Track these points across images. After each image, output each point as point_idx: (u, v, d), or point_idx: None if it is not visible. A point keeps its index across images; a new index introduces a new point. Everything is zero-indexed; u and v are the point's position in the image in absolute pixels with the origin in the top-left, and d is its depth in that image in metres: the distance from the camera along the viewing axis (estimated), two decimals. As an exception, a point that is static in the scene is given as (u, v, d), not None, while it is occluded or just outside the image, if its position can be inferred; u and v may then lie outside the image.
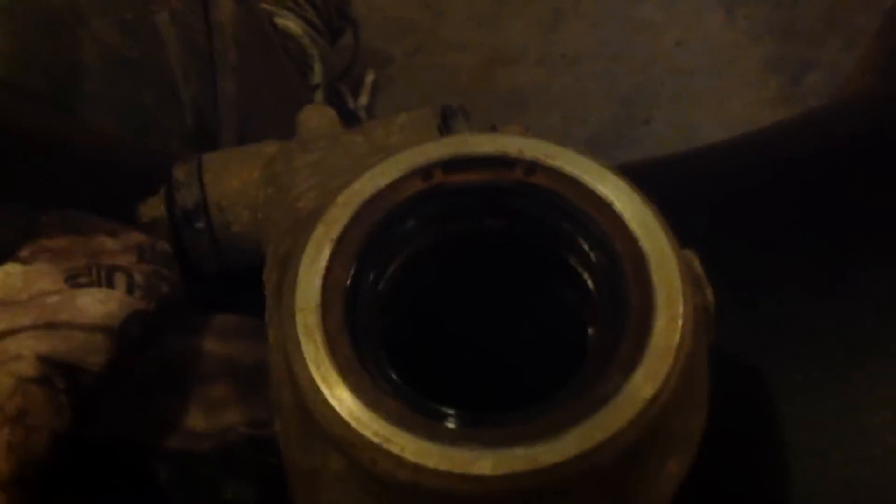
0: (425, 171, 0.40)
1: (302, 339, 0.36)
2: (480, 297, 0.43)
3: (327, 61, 1.65)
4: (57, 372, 0.41)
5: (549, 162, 0.39)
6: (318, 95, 1.57)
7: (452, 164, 0.40)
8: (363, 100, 1.88)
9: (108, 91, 0.96)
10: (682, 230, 0.39)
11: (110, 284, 0.43)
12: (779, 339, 0.47)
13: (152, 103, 0.99)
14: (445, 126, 0.52)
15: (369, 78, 1.92)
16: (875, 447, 0.44)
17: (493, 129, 0.52)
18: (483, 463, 0.33)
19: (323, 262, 0.37)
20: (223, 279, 0.52)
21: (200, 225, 0.49)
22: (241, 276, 0.52)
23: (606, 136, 1.84)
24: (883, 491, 0.43)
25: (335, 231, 0.38)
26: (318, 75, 1.63)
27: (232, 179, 0.50)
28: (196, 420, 0.46)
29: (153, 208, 0.50)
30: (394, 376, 0.36)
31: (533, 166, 0.40)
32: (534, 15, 2.04)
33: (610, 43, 2.01)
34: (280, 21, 1.60)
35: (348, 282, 0.37)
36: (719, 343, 0.41)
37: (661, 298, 0.36)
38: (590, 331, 0.39)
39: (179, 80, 1.00)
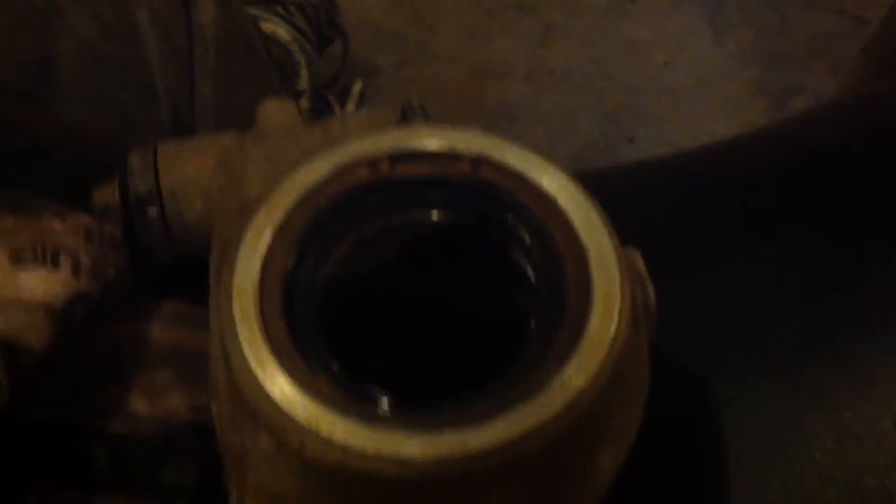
0: (372, 162, 0.40)
1: (237, 320, 0.36)
2: (423, 287, 0.43)
3: (314, 69, 1.65)
4: (-4, 349, 0.41)
5: (496, 156, 0.40)
6: (304, 102, 1.57)
7: (399, 157, 0.40)
8: (350, 108, 1.88)
9: (83, 87, 0.96)
10: (632, 228, 0.39)
11: (55, 264, 0.43)
12: (722, 345, 0.47)
13: (128, 101, 0.98)
14: (405, 124, 0.52)
15: (356, 87, 1.92)
16: (816, 453, 0.44)
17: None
18: (411, 446, 0.33)
19: (263, 246, 0.38)
20: (176, 268, 0.52)
21: (153, 212, 0.49)
22: (194, 265, 0.52)
23: (591, 153, 1.84)
24: (821, 494, 0.43)
25: (277, 216, 0.38)
26: (304, 81, 1.63)
27: (186, 168, 0.50)
28: (139, 405, 0.46)
29: (107, 194, 0.50)
30: (330, 361, 0.37)
31: (479, 160, 0.40)
32: (523, 31, 2.04)
33: (598, 61, 2.02)
34: (268, 27, 1.60)
35: (288, 267, 0.38)
36: (663, 345, 0.41)
37: (598, 292, 0.37)
38: (532, 323, 0.40)
39: (157, 79, 1.00)
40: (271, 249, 0.38)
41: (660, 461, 0.43)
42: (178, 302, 0.50)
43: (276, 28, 1.61)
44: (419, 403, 0.35)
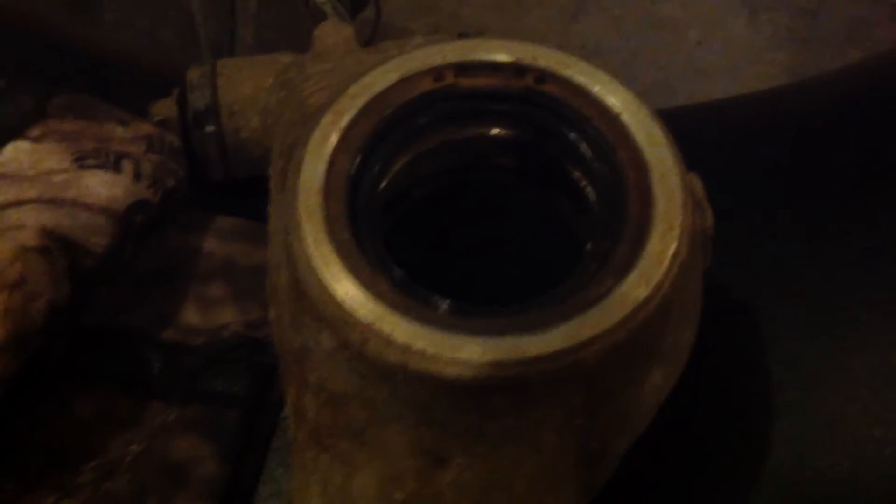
0: (437, 72, 0.40)
1: (302, 218, 0.36)
2: (483, 203, 0.43)
3: (347, 31, 1.64)
4: (59, 246, 0.41)
5: (561, 71, 0.40)
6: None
7: (465, 67, 0.40)
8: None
9: (125, 23, 0.96)
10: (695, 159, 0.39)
11: (118, 169, 0.44)
12: (773, 276, 0.47)
13: (171, 40, 0.99)
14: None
15: (388, 52, 1.89)
16: (860, 387, 0.44)
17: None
18: (471, 348, 0.34)
19: (329, 148, 0.38)
20: (229, 187, 0.52)
21: (211, 128, 0.50)
22: (247, 185, 0.52)
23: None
24: (863, 427, 0.43)
25: (344, 121, 0.38)
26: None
27: (244, 85, 0.50)
28: (191, 316, 0.47)
29: (165, 108, 0.50)
30: (391, 264, 0.37)
31: (544, 74, 0.40)
32: (556, 4, 2.02)
33: (631, 38, 1.99)
34: (303, -14, 1.59)
35: (353, 171, 0.38)
36: (715, 275, 0.41)
37: (660, 207, 0.37)
38: (588, 246, 0.40)
39: (199, 20, 1.01)
40: (336, 152, 0.38)
41: (705, 388, 0.44)
42: (230, 217, 0.50)
43: (311, -12, 1.61)
44: (477, 310, 0.36)
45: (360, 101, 0.39)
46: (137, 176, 0.44)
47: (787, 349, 0.45)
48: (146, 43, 0.96)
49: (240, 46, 1.03)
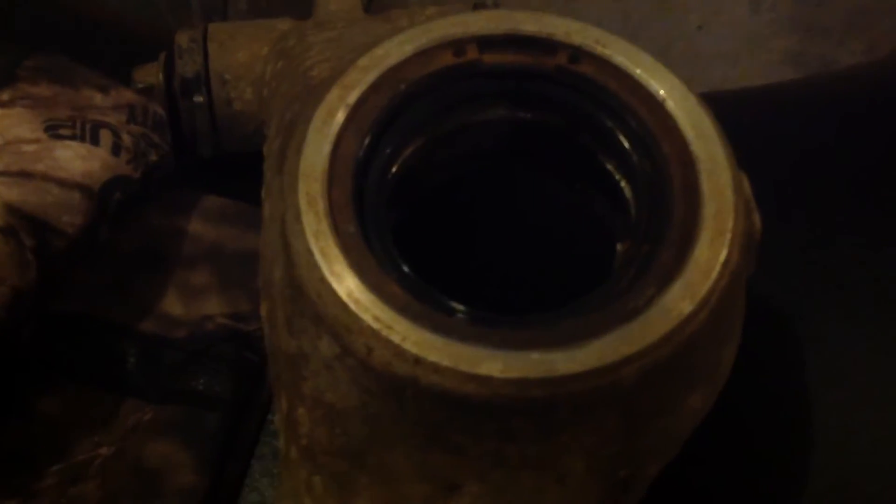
0: (459, 45, 0.35)
1: (303, 207, 0.32)
2: (504, 195, 0.39)
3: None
4: (25, 226, 0.37)
5: (598, 49, 0.35)
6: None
7: (489, 41, 0.35)
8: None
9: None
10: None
11: (95, 141, 0.39)
12: (816, 285, 0.43)
13: (162, 4, 0.94)
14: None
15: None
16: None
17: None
18: (492, 364, 0.29)
19: (335, 127, 0.33)
20: (218, 162, 0.48)
21: (199, 98, 0.45)
22: (238, 160, 0.47)
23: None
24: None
25: (352, 96, 0.34)
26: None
27: (238, 52, 0.45)
28: (173, 305, 0.42)
29: (150, 74, 0.45)
30: (401, 263, 0.32)
31: (579, 53, 0.35)
32: (557, -19, 1.97)
33: (631, 18, 1.94)
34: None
35: (361, 153, 0.33)
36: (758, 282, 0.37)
37: (709, 208, 0.32)
38: (619, 247, 0.36)
39: (191, -16, 0.96)
40: (343, 132, 0.33)
41: (743, 407, 0.40)
42: (218, 197, 0.46)
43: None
44: (498, 319, 0.31)
45: (371, 75, 0.34)
46: (116, 149, 0.39)
47: (829, 364, 0.41)
48: (137, 4, 0.91)
49: (232, 11, 0.98)
